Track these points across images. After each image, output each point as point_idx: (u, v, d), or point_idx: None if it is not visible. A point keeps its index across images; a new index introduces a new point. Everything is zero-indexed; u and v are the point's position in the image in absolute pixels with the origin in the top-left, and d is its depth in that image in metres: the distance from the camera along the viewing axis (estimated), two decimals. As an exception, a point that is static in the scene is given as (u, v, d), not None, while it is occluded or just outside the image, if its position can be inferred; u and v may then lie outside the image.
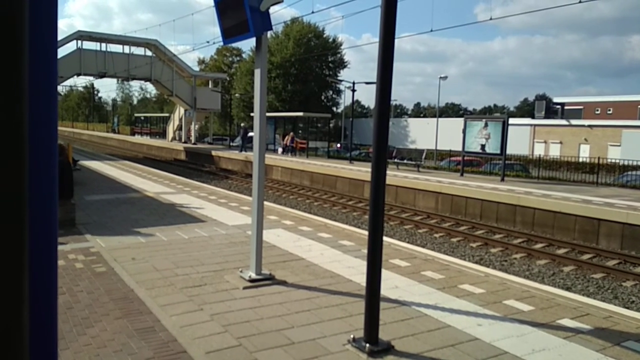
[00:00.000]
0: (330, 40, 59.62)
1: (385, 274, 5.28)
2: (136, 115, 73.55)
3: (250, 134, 45.46)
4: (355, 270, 6.71)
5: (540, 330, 4.90)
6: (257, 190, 6.25)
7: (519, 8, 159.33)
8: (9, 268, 0.62)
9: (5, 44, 0.58)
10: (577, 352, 4.45)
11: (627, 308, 7.34)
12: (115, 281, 6.13)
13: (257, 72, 6.09)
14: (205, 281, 6.14)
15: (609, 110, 53.63)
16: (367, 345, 4.36)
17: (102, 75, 38.67)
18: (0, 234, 0.61)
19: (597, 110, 54.61)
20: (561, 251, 11.94)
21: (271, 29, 6.14)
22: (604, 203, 13.83)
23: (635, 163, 21.61)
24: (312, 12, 28.40)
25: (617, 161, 23.41)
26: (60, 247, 7.25)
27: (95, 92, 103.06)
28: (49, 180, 0.93)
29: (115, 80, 58.37)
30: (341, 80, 48.68)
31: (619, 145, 39.28)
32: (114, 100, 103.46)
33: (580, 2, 12.59)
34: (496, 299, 5.79)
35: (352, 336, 4.51)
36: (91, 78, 45.12)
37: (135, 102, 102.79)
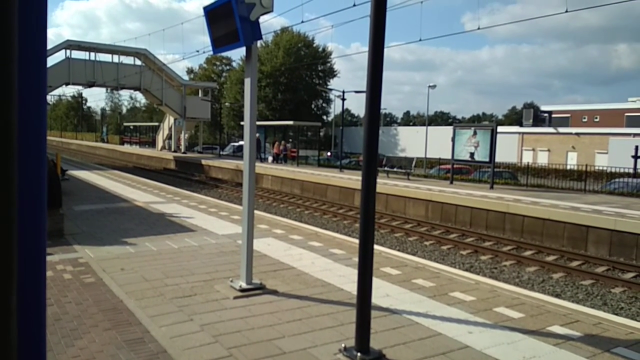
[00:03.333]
0: (320, 49, 59.94)
1: (376, 282, 5.28)
2: (125, 124, 73.27)
3: (241, 142, 45.50)
4: (347, 279, 6.70)
5: (531, 338, 4.91)
6: (247, 199, 6.23)
7: (505, 17, 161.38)
8: None
9: None
10: (568, 359, 4.47)
11: (616, 314, 7.38)
12: (104, 292, 6.07)
13: (247, 81, 6.10)
14: (196, 291, 6.10)
15: (596, 118, 54.30)
16: (359, 354, 4.35)
17: (91, 85, 38.53)
18: None
19: (584, 118, 55.27)
20: (550, 258, 12.02)
21: (261, 38, 6.16)
22: (592, 210, 13.95)
23: (622, 170, 21.84)
24: (302, 22, 28.59)
25: (605, 168, 23.65)
26: (48, 258, 7.16)
27: (84, 102, 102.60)
28: (38, 189, 0.92)
29: (104, 89, 58.16)
30: (331, 89, 48.82)
31: (606, 153, 39.72)
32: (102, 109, 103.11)
33: (566, 11, 12.77)
34: (487, 306, 5.81)
35: (343, 345, 4.50)
36: (80, 87, 44.96)
37: (124, 111, 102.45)
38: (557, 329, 5.17)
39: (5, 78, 0.59)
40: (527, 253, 12.49)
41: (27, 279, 0.90)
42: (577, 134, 45.27)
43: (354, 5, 14.51)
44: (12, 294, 0.65)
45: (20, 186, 0.66)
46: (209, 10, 6.26)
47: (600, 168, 24.20)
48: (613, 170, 22.58)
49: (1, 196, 0.61)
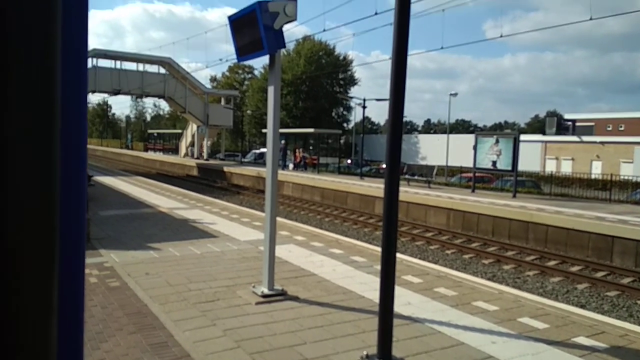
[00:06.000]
0: (341, 57, 60.08)
1: (398, 290, 5.27)
2: (149, 131, 74.31)
3: (262, 150, 45.77)
4: (368, 287, 6.70)
5: (556, 349, 4.85)
6: (269, 205, 6.29)
7: (527, 25, 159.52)
8: (41, 280, 0.64)
9: (40, 57, 0.60)
10: (593, 370, 4.40)
11: (644, 326, 7.22)
12: (129, 296, 6.17)
13: (271, 89, 6.17)
14: (218, 296, 6.16)
15: (621, 126, 53.34)
16: (381, 361, 4.34)
17: (116, 93, 39.21)
18: (33, 246, 0.62)
19: (609, 127, 54.35)
20: (575, 268, 11.82)
21: (284, 46, 6.23)
22: (617, 220, 13.70)
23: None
24: (324, 30, 28.66)
25: (630, 178, 23.19)
26: (74, 262, 7.31)
27: (109, 109, 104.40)
28: (80, 190, 0.96)
29: (129, 97, 59.10)
30: (351, 97, 48.90)
31: (632, 162, 38.95)
32: (127, 116, 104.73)
33: (591, 19, 12.63)
34: (510, 316, 5.75)
35: (365, 353, 4.50)
36: (105, 95, 45.79)
37: (148, 118, 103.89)
38: (582, 340, 5.10)
39: (50, 81, 0.61)
40: (551, 263, 12.31)
41: (68, 280, 0.93)
42: (601, 142, 44.50)
43: (376, 13, 14.57)
44: (54, 296, 0.66)
45: (64, 186, 0.68)
46: (233, 20, 6.36)
47: (626, 177, 23.76)
48: (639, 179, 22.12)
49: (45, 197, 0.63)
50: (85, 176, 1.06)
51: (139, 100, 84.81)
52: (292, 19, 5.93)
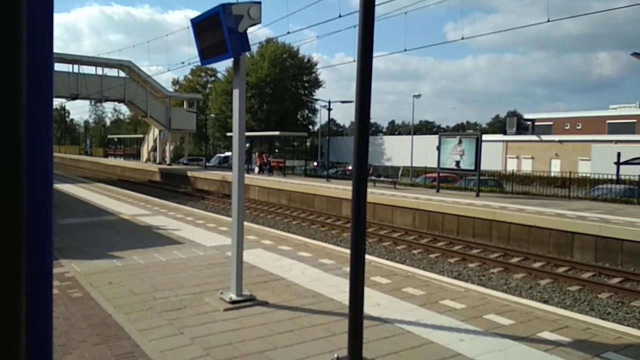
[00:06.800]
0: (305, 60, 60.19)
1: (367, 291, 5.27)
2: (109, 136, 72.74)
3: (227, 153, 45.35)
4: (337, 289, 6.69)
5: (522, 344, 4.94)
6: (237, 210, 6.21)
7: (487, 26, 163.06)
8: (7, 289, 0.60)
9: (5, 62, 0.57)
10: (559, 364, 4.50)
11: (604, 319, 7.46)
12: (92, 306, 5.99)
13: (236, 93, 6.11)
14: (185, 304, 6.04)
15: (578, 125, 55.12)
16: (352, 364, 4.33)
17: (74, 97, 38.25)
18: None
19: (567, 126, 56.10)
20: (537, 264, 12.12)
21: (249, 49, 6.18)
22: (576, 216, 14.13)
23: (605, 177, 22.16)
24: (288, 33, 28.63)
25: (588, 175, 23.97)
26: (34, 273, 7.04)
27: (67, 114, 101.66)
28: (46, 198, 0.92)
29: (87, 101, 57.75)
30: (316, 99, 49.06)
31: (589, 160, 40.28)
32: (86, 122, 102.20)
33: (548, 20, 13.00)
34: (477, 313, 5.84)
35: (336, 355, 4.49)
36: (63, 100, 44.61)
37: (108, 123, 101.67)
38: (547, 334, 5.21)
39: (14, 84, 0.59)
40: (514, 260, 12.59)
41: (35, 289, 0.89)
42: (560, 141, 45.91)
43: (340, 16, 14.63)
44: (21, 309, 0.64)
45: (30, 199, 0.66)
46: (196, 23, 6.27)
47: (584, 175, 24.54)
48: (596, 176, 22.91)
49: (11, 206, 0.60)
50: (51, 184, 1.01)
51: (98, 104, 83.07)
52: (257, 21, 5.89)
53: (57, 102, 69.58)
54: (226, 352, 4.64)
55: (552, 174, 26.50)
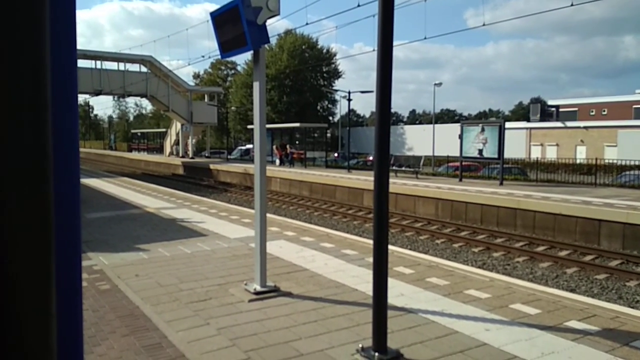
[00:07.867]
0: (324, 50, 59.95)
1: (390, 281, 5.27)
2: (133, 131, 73.68)
3: (248, 146, 45.59)
4: (360, 279, 6.70)
5: (548, 333, 4.89)
6: (259, 202, 6.25)
7: (508, 12, 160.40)
8: (39, 284, 0.62)
9: (30, 58, 0.58)
10: (586, 354, 4.45)
11: (633, 308, 7.33)
12: (120, 298, 6.11)
13: (256, 85, 6.12)
14: (210, 295, 6.12)
15: (604, 111, 53.94)
16: (376, 354, 4.34)
17: (97, 93, 38.80)
18: (29, 250, 0.61)
19: (592, 112, 54.93)
20: (563, 253, 11.95)
21: (269, 41, 6.18)
22: (603, 204, 13.86)
23: (632, 163, 21.68)
24: (307, 24, 28.58)
25: (615, 161, 23.47)
26: (63, 266, 7.21)
27: (91, 110, 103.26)
28: (74, 192, 0.93)
29: (111, 97, 58.50)
30: (336, 90, 48.85)
31: (615, 146, 39.45)
32: (110, 117, 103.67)
33: (572, 5, 12.71)
34: (502, 303, 5.79)
35: (360, 345, 4.50)
36: (86, 96, 45.30)
37: (131, 118, 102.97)
38: (574, 324, 5.14)
39: (40, 81, 0.60)
40: (540, 249, 12.43)
41: (65, 285, 0.91)
42: (585, 127, 44.99)
43: (359, 5, 14.51)
44: (52, 302, 0.65)
45: (57, 193, 0.67)
46: (215, 16, 6.29)
47: (610, 161, 24.03)
48: (623, 163, 22.41)
49: (39, 201, 0.61)
50: (78, 178, 1.03)
51: (121, 100, 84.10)
52: (275, 13, 5.88)
53: (81, 98, 70.69)
54: (252, 343, 4.69)
55: (578, 161, 26.03)
